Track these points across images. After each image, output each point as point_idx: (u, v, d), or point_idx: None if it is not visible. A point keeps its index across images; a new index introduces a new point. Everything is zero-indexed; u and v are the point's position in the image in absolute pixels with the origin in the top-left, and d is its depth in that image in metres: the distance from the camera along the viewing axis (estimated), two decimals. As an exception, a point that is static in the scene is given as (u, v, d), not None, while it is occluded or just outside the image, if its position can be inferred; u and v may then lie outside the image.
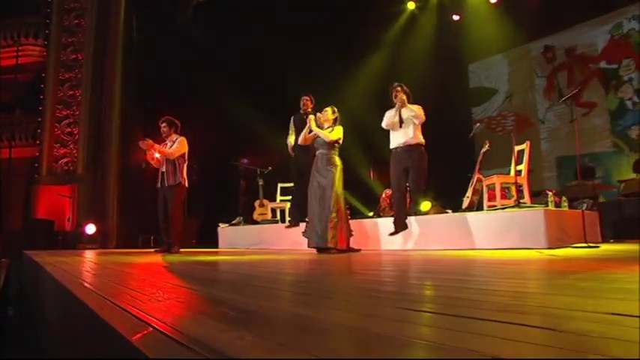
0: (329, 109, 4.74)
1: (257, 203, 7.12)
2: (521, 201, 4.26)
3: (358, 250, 4.58)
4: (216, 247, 7.03)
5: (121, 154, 8.02)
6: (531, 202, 4.57)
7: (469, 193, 5.02)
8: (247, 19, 8.26)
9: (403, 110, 4.77)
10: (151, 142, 5.25)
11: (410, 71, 8.53)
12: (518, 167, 4.81)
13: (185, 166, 5.43)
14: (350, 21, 8.97)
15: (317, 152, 4.66)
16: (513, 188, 4.53)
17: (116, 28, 7.51)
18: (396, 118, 4.80)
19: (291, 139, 5.80)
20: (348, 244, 4.45)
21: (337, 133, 4.62)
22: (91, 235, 7.65)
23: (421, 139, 4.76)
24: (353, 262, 3.03)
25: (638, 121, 7.54)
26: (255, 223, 6.92)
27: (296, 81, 7.00)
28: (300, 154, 5.49)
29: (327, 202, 4.32)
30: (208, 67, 7.98)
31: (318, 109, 5.15)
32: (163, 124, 5.46)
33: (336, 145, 4.58)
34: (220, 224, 7.08)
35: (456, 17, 9.78)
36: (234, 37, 8.21)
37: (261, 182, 7.14)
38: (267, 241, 6.36)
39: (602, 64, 8.21)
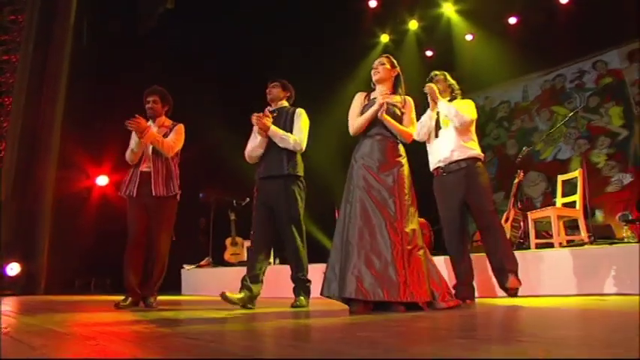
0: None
1: (229, 241, 6.03)
2: (578, 238, 3.58)
3: (453, 306, 2.68)
4: (179, 292, 5.83)
5: (59, 177, 6.62)
6: (589, 240, 3.89)
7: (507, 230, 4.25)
8: (217, 38, 7.43)
9: (442, 108, 3.39)
10: (143, 121, 3.54)
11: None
12: (568, 199, 4.15)
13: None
14: (325, 54, 8.44)
15: (371, 137, 2.94)
16: (581, 222, 3.83)
17: (62, 30, 6.28)
18: (432, 122, 3.44)
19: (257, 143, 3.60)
20: (432, 293, 2.64)
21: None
22: (12, 278, 6.07)
23: (475, 149, 3.33)
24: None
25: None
26: (227, 264, 5.80)
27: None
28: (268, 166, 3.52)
29: (394, 217, 2.67)
30: (170, 83, 6.97)
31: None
32: (153, 98, 3.76)
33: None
34: (185, 265, 5.87)
35: (429, 53, 9.49)
36: (201, 51, 7.30)
37: (232, 217, 6.06)
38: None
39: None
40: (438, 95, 3.41)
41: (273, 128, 3.47)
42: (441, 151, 3.37)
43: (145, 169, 3.66)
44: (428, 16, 8.76)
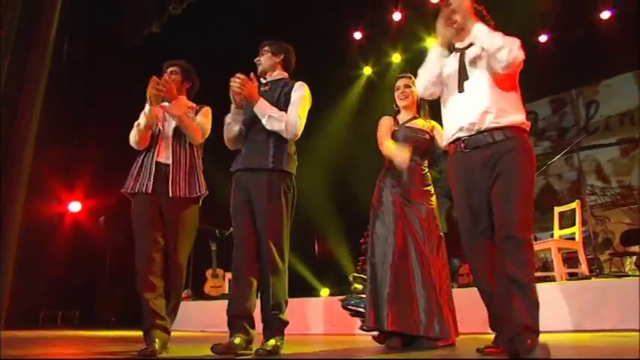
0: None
1: (209, 273, 5.74)
2: (579, 271, 3.48)
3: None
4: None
5: (28, 202, 6.25)
6: (589, 273, 3.78)
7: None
8: (200, 61, 7.28)
9: (478, 36, 2.23)
10: (172, 86, 2.80)
11: (372, 137, 8.02)
12: (565, 231, 4.06)
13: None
14: (308, 84, 8.35)
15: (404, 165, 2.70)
16: (581, 254, 3.72)
17: (42, 46, 6.03)
18: (450, 66, 2.34)
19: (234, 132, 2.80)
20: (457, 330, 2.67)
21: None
22: (-31, 310, 5.59)
23: (520, 114, 2.20)
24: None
25: None
26: (208, 298, 5.49)
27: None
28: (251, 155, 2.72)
29: (431, 251, 2.60)
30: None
31: None
32: (173, 69, 2.98)
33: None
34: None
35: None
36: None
37: (214, 247, 5.79)
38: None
39: None
40: (461, 22, 2.27)
41: (261, 101, 2.63)
42: (466, 114, 2.19)
43: (163, 160, 2.82)
44: (411, 49, 8.84)
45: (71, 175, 6.79)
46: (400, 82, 3.06)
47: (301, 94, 2.69)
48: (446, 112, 2.38)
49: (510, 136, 2.15)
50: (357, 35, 8.34)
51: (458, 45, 2.38)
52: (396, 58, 8.87)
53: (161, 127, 2.89)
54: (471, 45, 2.31)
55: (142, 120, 2.79)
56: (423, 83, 2.43)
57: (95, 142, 6.19)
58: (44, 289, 6.26)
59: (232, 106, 2.71)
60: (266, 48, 2.87)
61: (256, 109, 2.60)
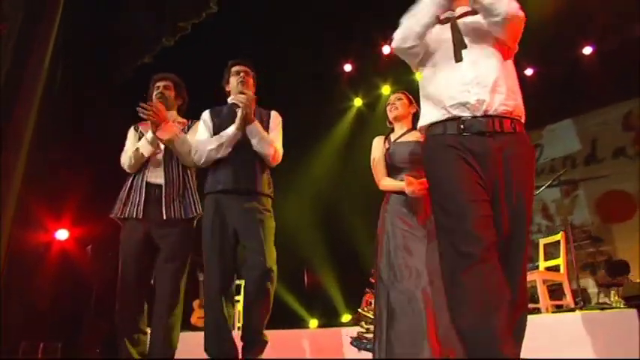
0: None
1: (196, 304, 5.67)
2: (564, 302, 3.48)
3: None
4: (138, 359, 5.32)
5: (13, 230, 6.18)
6: (574, 305, 3.80)
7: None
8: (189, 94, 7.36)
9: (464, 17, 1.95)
10: (162, 109, 2.68)
11: (362, 169, 8.09)
12: (550, 263, 4.09)
13: None
14: (299, 115, 8.47)
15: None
16: (566, 286, 3.74)
17: (35, 73, 6.08)
18: (444, 33, 1.95)
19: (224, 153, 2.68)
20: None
21: None
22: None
23: (522, 107, 1.91)
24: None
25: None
26: (194, 329, 5.42)
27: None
28: (226, 174, 2.65)
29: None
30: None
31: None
32: (165, 83, 2.89)
33: None
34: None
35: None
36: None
37: (201, 277, 5.72)
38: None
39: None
40: None
41: (256, 122, 2.64)
42: (469, 88, 1.80)
43: (154, 180, 2.69)
44: (401, 82, 9.00)
45: (58, 202, 6.72)
46: (392, 97, 3.03)
47: (279, 123, 2.83)
48: (432, 85, 1.93)
49: (519, 132, 1.82)
50: (347, 67, 8.49)
51: (448, 15, 2.00)
52: (386, 90, 9.01)
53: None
54: (466, 14, 1.98)
55: (144, 148, 2.71)
56: (404, 32, 1.98)
57: (84, 167, 6.16)
58: (25, 319, 6.14)
59: (235, 129, 2.62)
60: (248, 69, 2.87)
61: (250, 128, 2.62)
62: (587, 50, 6.99)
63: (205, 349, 2.54)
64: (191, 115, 3.07)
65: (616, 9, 6.01)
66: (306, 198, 7.95)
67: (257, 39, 6.16)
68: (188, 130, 2.88)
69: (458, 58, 1.87)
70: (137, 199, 2.69)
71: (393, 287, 2.53)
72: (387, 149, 2.86)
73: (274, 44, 6.38)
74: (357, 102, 9.44)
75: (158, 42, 5.84)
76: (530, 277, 4.03)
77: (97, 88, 6.45)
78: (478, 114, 1.79)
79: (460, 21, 1.96)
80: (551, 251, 4.35)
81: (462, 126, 1.80)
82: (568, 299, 3.87)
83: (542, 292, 3.80)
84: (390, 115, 2.95)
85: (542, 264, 4.22)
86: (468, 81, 1.82)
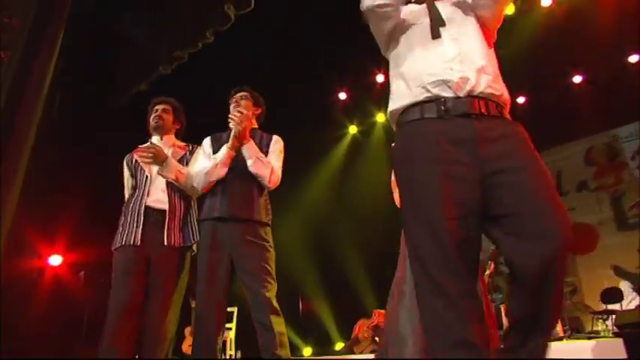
0: None
1: (187, 331, 5.61)
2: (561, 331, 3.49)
3: None
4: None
5: (5, 256, 6.16)
6: (563, 333, 3.80)
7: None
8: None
9: None
10: (160, 149, 2.62)
11: (357, 196, 8.18)
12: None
13: None
14: (295, 142, 8.51)
15: None
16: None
17: (35, 96, 6.15)
18: (418, 8, 1.79)
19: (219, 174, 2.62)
20: None
21: None
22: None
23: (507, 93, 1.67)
24: None
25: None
26: (185, 357, 5.38)
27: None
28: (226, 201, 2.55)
29: None
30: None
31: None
32: (164, 107, 2.86)
33: None
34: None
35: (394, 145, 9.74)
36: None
37: (193, 304, 5.69)
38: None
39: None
40: None
41: (252, 143, 2.56)
42: (451, 66, 1.58)
43: (154, 204, 2.61)
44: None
45: (51, 227, 6.69)
46: None
47: (280, 147, 2.72)
48: (408, 62, 1.68)
49: (504, 115, 1.60)
50: (342, 95, 8.62)
51: None
52: (380, 117, 9.12)
53: (149, 174, 2.72)
54: None
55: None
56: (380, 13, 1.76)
57: (78, 192, 6.18)
58: (17, 344, 6.08)
59: (227, 148, 2.55)
60: (247, 94, 2.79)
61: (246, 149, 2.53)
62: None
63: None
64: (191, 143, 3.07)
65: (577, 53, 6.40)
66: (301, 224, 7.97)
67: (253, 67, 6.28)
68: (190, 155, 2.86)
69: (435, 35, 1.66)
70: (134, 226, 2.58)
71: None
72: None
73: (270, 73, 6.49)
74: (352, 129, 9.55)
75: (155, 70, 5.93)
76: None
77: (94, 114, 6.52)
78: (461, 94, 1.54)
79: None
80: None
81: (442, 107, 1.53)
82: (558, 328, 3.88)
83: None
84: None
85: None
86: (451, 57, 1.59)
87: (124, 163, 2.88)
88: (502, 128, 1.53)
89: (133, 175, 2.78)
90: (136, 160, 2.79)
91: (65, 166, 6.46)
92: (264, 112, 2.89)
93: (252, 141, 2.57)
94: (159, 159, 2.62)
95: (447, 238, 1.40)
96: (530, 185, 1.42)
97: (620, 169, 7.40)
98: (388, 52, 1.85)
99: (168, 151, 2.77)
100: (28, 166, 6.20)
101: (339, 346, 7.25)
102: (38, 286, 6.68)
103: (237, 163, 2.55)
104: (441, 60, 1.60)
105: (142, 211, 2.60)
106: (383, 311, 4.90)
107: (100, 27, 6.20)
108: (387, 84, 6.42)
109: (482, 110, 1.53)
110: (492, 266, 4.71)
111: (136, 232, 2.55)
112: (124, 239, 2.57)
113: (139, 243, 2.53)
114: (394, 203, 2.70)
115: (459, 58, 1.59)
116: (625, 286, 5.68)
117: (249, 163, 2.52)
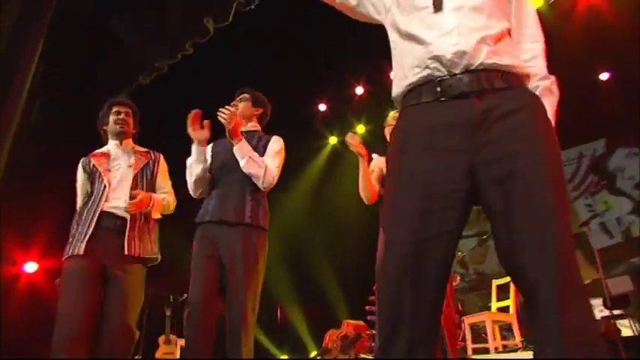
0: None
1: (162, 339, 5.65)
2: (512, 343, 3.60)
3: None
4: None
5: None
6: (523, 345, 3.93)
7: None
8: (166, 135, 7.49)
9: None
10: (145, 196, 2.54)
11: (335, 207, 8.27)
12: (502, 303, 4.23)
13: None
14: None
15: None
16: (515, 327, 3.88)
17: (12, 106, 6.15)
18: None
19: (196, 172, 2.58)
20: None
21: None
22: None
23: (519, 59, 1.42)
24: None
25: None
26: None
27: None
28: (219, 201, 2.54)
29: None
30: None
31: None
32: (126, 110, 2.75)
33: None
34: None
35: (374, 155, 9.83)
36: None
37: (168, 312, 5.75)
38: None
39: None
40: None
41: (244, 142, 2.48)
42: (447, 39, 1.36)
43: (114, 211, 2.51)
44: (374, 120, 9.25)
45: (25, 232, 6.62)
46: (390, 117, 2.84)
47: (279, 147, 2.64)
48: (402, 43, 1.48)
49: (515, 86, 1.35)
50: (322, 107, 8.72)
51: None
52: (361, 129, 9.24)
53: (107, 183, 2.58)
54: None
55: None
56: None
57: (53, 199, 6.18)
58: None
59: (194, 146, 2.54)
60: (247, 95, 2.76)
61: (238, 147, 2.45)
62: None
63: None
64: (171, 156, 3.01)
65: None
66: (280, 233, 8.04)
67: (231, 80, 6.35)
68: (154, 165, 2.77)
69: (438, 9, 1.41)
70: (84, 233, 2.44)
71: None
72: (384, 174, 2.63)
73: (249, 83, 6.57)
74: (332, 140, 9.64)
75: (134, 80, 5.99)
76: (480, 317, 4.17)
77: (71, 123, 6.54)
78: (457, 70, 1.34)
79: None
80: (504, 292, 4.51)
81: (437, 88, 1.34)
82: (517, 340, 4.01)
83: (490, 332, 3.93)
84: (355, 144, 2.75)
85: (495, 305, 4.37)
86: (448, 29, 1.37)
87: (80, 167, 2.73)
88: (510, 103, 1.30)
89: (90, 181, 2.64)
90: (94, 165, 2.67)
91: (39, 173, 6.44)
92: (268, 111, 2.84)
93: (243, 140, 2.48)
94: (143, 206, 2.53)
95: (420, 235, 1.24)
96: (524, 200, 1.19)
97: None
98: (385, 24, 1.62)
99: (129, 159, 2.71)
100: (4, 171, 6.20)
101: (314, 354, 7.33)
102: (12, 294, 6.64)
103: (231, 164, 2.50)
104: (436, 34, 1.38)
105: (97, 218, 2.47)
106: (352, 322, 5.00)
107: (86, 31, 6.22)
108: (365, 97, 6.56)
109: (484, 84, 1.31)
110: (458, 279, 4.82)
111: (89, 239, 2.42)
112: (77, 247, 2.41)
113: (84, 250, 2.39)
114: (369, 214, 2.66)
115: (458, 30, 1.36)
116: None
117: (241, 163, 2.45)
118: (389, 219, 1.33)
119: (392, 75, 1.55)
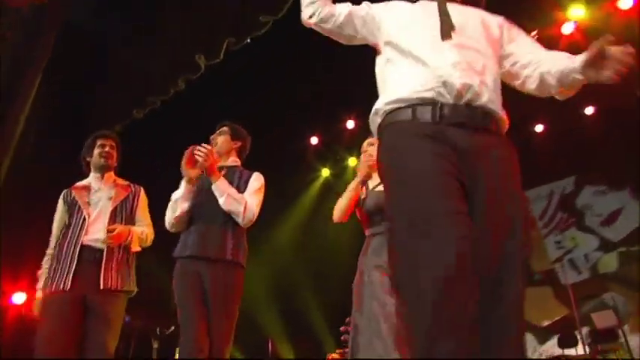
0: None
1: (143, 373, 5.60)
2: None
3: None
4: None
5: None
6: None
7: None
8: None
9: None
10: (123, 230, 2.60)
11: (328, 236, 8.30)
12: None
13: None
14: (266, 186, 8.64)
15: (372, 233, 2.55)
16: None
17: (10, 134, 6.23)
18: (428, 9, 1.62)
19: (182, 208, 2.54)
20: None
21: None
22: None
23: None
24: None
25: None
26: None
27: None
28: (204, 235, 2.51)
29: None
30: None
31: None
32: (110, 142, 2.80)
33: None
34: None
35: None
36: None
37: (155, 345, 5.72)
38: None
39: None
40: None
41: (222, 179, 2.49)
42: (456, 70, 1.43)
43: (93, 243, 2.54)
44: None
45: (14, 262, 6.53)
46: (365, 144, 2.84)
47: (259, 185, 2.64)
48: (403, 62, 1.53)
49: (502, 134, 1.49)
50: (314, 140, 8.84)
51: None
52: (352, 161, 9.34)
53: (87, 215, 2.62)
54: None
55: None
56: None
57: (41, 229, 6.16)
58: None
59: (183, 182, 2.54)
60: (225, 129, 2.78)
61: (216, 186, 2.46)
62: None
63: None
64: (162, 188, 2.99)
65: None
66: (271, 266, 8.03)
67: (224, 113, 6.47)
68: (135, 199, 2.82)
69: (446, 36, 1.49)
70: (66, 269, 2.48)
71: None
72: (364, 198, 2.70)
73: (242, 118, 6.68)
74: (325, 172, 9.72)
75: (129, 115, 6.09)
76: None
77: (64, 156, 6.60)
78: (460, 102, 1.40)
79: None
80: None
81: (438, 113, 1.38)
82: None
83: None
84: (368, 164, 2.65)
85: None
86: (455, 62, 1.44)
87: (61, 199, 2.77)
88: (499, 150, 1.41)
89: (69, 213, 2.67)
90: (74, 198, 2.71)
91: (28, 202, 6.44)
92: (247, 144, 2.85)
93: (221, 178, 2.50)
94: (122, 241, 2.58)
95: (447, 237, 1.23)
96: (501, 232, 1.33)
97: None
98: (377, 44, 1.70)
99: (110, 192, 2.75)
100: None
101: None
102: (2, 324, 6.56)
103: (210, 200, 2.49)
104: (444, 64, 1.45)
105: (75, 253, 2.50)
106: (336, 355, 4.99)
107: (80, 65, 6.34)
108: (356, 131, 6.65)
109: (482, 123, 1.41)
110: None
111: (64, 278, 2.45)
112: (63, 283, 2.44)
113: (67, 288, 2.42)
114: (359, 245, 2.67)
115: (464, 66, 1.45)
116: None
117: (220, 201, 2.44)
118: (410, 225, 1.30)
119: (383, 88, 1.62)
